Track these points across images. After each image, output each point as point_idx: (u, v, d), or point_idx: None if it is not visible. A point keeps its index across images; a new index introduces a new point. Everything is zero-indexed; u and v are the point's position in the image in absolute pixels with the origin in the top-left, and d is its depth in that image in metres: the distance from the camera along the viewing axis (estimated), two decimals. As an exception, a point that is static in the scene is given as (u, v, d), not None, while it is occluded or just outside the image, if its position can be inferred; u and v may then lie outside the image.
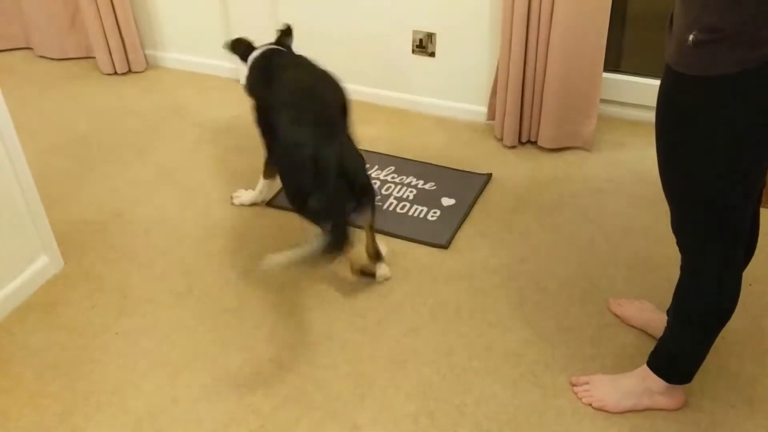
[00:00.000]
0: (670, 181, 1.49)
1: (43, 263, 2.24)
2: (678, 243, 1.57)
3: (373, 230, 2.11)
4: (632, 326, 2.02)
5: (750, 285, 1.57)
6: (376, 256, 2.18)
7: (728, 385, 1.85)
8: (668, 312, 1.86)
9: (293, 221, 2.50)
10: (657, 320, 1.93)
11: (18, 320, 2.12)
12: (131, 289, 2.23)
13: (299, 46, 3.31)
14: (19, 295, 2.17)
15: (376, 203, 2.10)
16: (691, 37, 1.26)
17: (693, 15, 1.26)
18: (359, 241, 2.10)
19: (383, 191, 2.65)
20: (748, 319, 1.98)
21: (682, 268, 1.60)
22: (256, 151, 2.92)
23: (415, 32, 3.02)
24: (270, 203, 2.60)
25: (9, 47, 3.81)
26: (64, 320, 2.12)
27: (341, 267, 2.29)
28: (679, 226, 1.55)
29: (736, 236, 1.50)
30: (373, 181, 2.71)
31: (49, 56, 3.74)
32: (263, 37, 3.29)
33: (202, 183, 2.75)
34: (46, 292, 2.22)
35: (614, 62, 3.02)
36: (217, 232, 2.47)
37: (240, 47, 2.45)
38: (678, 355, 1.71)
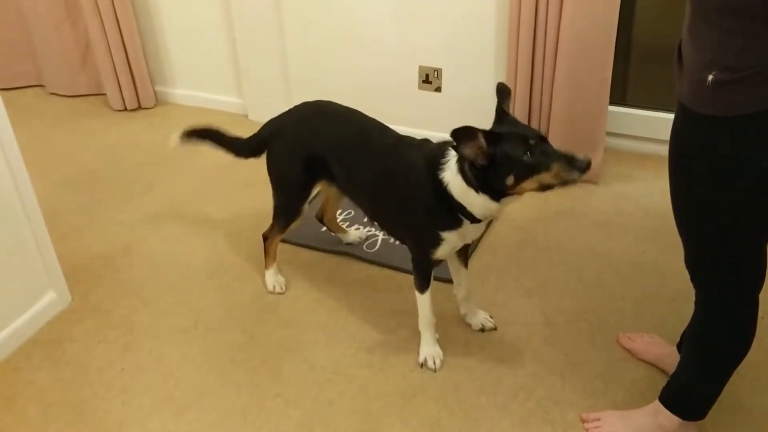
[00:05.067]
0: (686, 218, 1.47)
1: (50, 299, 2.24)
2: (693, 279, 1.56)
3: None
4: (642, 360, 2.00)
5: (761, 318, 1.55)
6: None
7: (742, 420, 1.81)
8: (679, 346, 1.84)
9: (300, 255, 2.51)
10: (668, 354, 1.90)
11: (24, 356, 2.11)
12: (137, 324, 2.22)
13: (307, 80, 3.35)
14: (25, 330, 2.17)
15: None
16: (710, 77, 1.24)
17: (709, 54, 1.25)
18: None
19: (390, 225, 2.65)
20: (761, 352, 1.95)
21: (697, 303, 1.58)
22: (264, 186, 2.94)
23: (421, 68, 3.05)
24: (277, 238, 2.60)
25: (22, 85, 3.87)
26: (69, 356, 2.11)
27: (351, 303, 2.28)
28: (694, 262, 1.53)
29: (753, 273, 1.48)
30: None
31: (60, 93, 3.79)
32: (272, 75, 3.34)
33: (210, 218, 2.75)
34: (52, 327, 2.21)
35: (620, 95, 3.04)
36: (223, 267, 2.47)
37: None
38: (692, 391, 1.68)
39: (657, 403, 1.72)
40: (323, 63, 3.24)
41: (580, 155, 1.58)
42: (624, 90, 3.09)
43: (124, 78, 3.54)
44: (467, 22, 2.88)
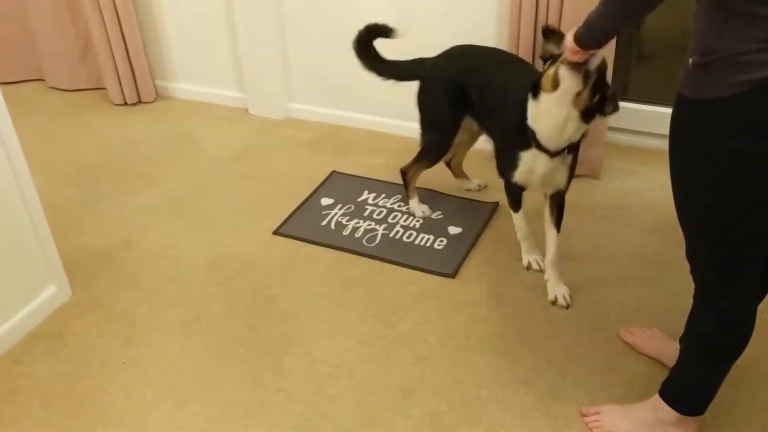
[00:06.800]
0: (681, 207, 1.48)
1: (51, 293, 2.24)
2: (692, 271, 1.56)
3: None
4: (643, 354, 2.00)
5: (762, 312, 1.55)
6: None
7: (742, 414, 1.82)
8: (680, 340, 1.84)
9: (301, 250, 2.51)
10: (669, 348, 1.90)
11: (25, 350, 2.11)
12: (139, 318, 2.23)
13: (309, 75, 3.35)
14: (26, 324, 2.17)
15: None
16: (690, 60, 1.31)
17: (695, 39, 1.32)
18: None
19: (390, 219, 2.65)
20: (761, 346, 1.95)
21: (695, 297, 1.58)
22: (264, 179, 2.94)
23: (422, 62, 3.05)
24: (277, 231, 2.60)
25: (22, 79, 3.86)
26: (71, 350, 2.11)
27: (351, 297, 2.29)
28: (691, 254, 1.54)
29: (748, 267, 1.48)
30: (380, 209, 2.71)
31: (60, 87, 3.78)
32: (273, 70, 3.34)
33: (211, 212, 2.75)
34: (53, 321, 2.22)
35: (621, 90, 3.03)
36: (225, 260, 2.47)
37: None
38: (691, 385, 1.68)
39: (657, 398, 1.72)
40: (324, 57, 3.24)
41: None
42: (625, 85, 3.08)
43: (125, 72, 3.53)
44: (468, 17, 2.87)
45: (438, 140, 2.49)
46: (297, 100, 3.43)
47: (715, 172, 1.34)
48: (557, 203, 2.20)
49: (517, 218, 2.32)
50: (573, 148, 2.04)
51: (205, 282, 2.37)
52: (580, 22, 1.66)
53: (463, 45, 2.47)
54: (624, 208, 2.67)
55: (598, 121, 2.01)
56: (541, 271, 2.30)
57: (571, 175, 2.12)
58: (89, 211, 2.78)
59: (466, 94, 2.31)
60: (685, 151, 1.39)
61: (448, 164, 2.74)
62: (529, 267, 2.35)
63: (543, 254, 2.29)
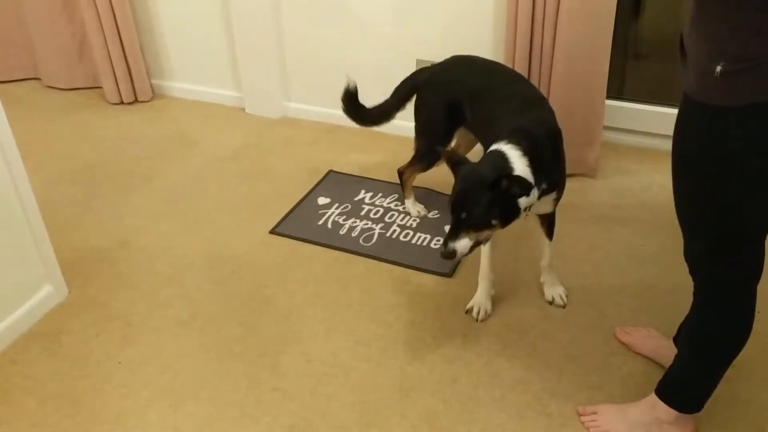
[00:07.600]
0: (692, 212, 1.47)
1: (47, 292, 2.24)
2: (692, 271, 1.56)
3: None
4: (639, 354, 2.00)
5: (758, 312, 1.55)
6: None
7: (739, 413, 1.82)
8: (675, 339, 1.84)
9: (298, 250, 2.51)
10: (664, 348, 1.91)
11: (21, 349, 2.11)
12: (135, 317, 2.22)
13: (305, 74, 3.35)
14: (23, 323, 2.16)
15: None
16: (718, 68, 1.25)
17: (716, 44, 1.26)
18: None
19: (387, 219, 2.65)
20: (758, 346, 1.95)
21: (695, 296, 1.58)
22: (261, 178, 2.94)
23: (419, 61, 3.05)
24: (274, 231, 2.60)
25: (18, 78, 3.85)
26: (67, 349, 2.11)
27: (348, 297, 2.29)
28: (694, 254, 1.53)
29: (754, 266, 1.48)
30: (377, 209, 2.71)
31: (57, 86, 3.78)
32: (269, 69, 3.34)
33: (207, 211, 2.75)
34: (50, 320, 2.21)
35: (617, 89, 3.04)
36: (221, 260, 2.47)
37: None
38: (689, 383, 1.69)
39: (653, 397, 1.72)
40: (321, 56, 3.24)
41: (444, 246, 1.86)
42: (621, 84, 3.09)
43: (121, 71, 3.53)
44: (465, 16, 2.88)
45: (429, 148, 2.47)
46: (294, 99, 3.43)
47: (752, 178, 1.32)
48: (547, 220, 2.16)
49: (485, 250, 2.14)
50: (556, 186, 1.99)
51: (201, 281, 2.37)
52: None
53: (461, 56, 2.44)
54: (620, 207, 2.67)
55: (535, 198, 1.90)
56: (485, 318, 2.16)
57: (556, 202, 2.07)
58: (85, 210, 2.77)
59: (459, 107, 2.27)
60: (712, 159, 1.35)
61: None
62: (469, 311, 2.18)
63: (538, 261, 2.25)
